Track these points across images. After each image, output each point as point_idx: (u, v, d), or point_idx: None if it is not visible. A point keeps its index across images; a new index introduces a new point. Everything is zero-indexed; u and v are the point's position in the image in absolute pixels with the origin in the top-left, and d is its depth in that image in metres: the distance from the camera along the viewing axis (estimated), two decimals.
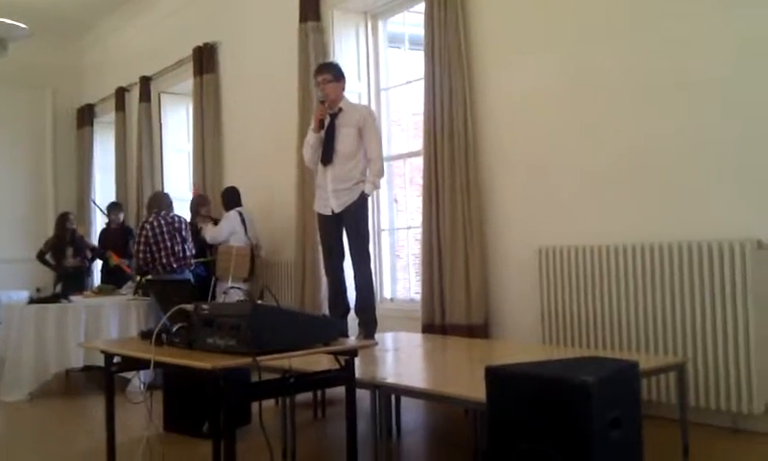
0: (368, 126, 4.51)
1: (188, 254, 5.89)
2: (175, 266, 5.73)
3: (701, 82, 3.67)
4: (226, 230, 6.29)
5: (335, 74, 4.59)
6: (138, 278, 6.11)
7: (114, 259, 7.33)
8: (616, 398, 2.15)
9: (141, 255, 5.70)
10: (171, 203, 6.04)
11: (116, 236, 7.90)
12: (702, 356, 3.56)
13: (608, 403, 2.10)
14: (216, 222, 6.62)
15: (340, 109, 4.53)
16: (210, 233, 6.36)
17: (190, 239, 5.96)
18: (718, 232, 3.55)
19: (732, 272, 3.46)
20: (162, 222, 5.75)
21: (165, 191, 7.32)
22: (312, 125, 4.57)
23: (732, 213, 3.55)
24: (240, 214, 6.37)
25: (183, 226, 5.93)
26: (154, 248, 5.68)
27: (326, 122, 4.51)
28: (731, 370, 3.46)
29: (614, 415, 2.12)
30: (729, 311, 3.47)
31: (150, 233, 5.68)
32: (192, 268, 5.98)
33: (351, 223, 4.48)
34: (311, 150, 4.57)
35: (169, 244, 5.72)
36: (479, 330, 4.61)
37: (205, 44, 7.58)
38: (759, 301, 3.41)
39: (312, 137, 4.56)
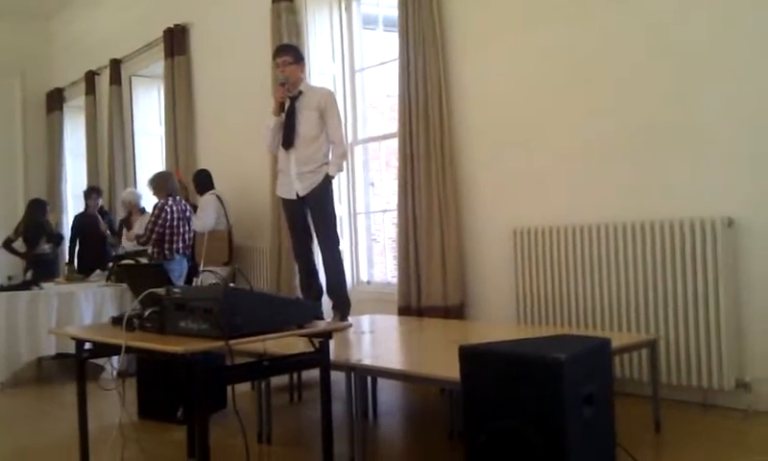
0: (329, 108, 4.44)
1: (190, 239, 5.99)
2: (182, 253, 5.82)
3: (672, 60, 3.70)
4: (212, 217, 6.22)
5: (295, 56, 4.50)
6: (111, 264, 6.05)
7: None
8: (589, 374, 2.17)
9: (155, 236, 5.68)
10: (176, 187, 6.07)
11: (91, 221, 7.70)
12: (673, 333, 3.61)
13: (580, 380, 2.11)
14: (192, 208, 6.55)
15: (300, 92, 4.46)
16: (200, 223, 6.22)
17: None
18: (690, 211, 3.59)
19: (703, 250, 3.50)
20: (180, 208, 5.83)
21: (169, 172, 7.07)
22: (272, 108, 4.49)
23: (703, 191, 3.59)
24: (218, 198, 6.31)
25: (189, 213, 6.01)
26: (169, 231, 5.71)
27: (287, 105, 4.44)
28: (701, 347, 3.51)
29: (587, 391, 2.14)
30: (700, 289, 3.51)
31: (169, 217, 5.70)
32: (187, 256, 5.97)
33: (316, 206, 4.44)
34: (271, 134, 4.49)
35: (182, 230, 5.80)
36: (455, 312, 4.63)
37: (176, 26, 7.46)
38: (730, 278, 3.46)
39: (272, 121, 4.48)
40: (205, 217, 6.21)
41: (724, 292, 3.44)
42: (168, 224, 5.70)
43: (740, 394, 3.44)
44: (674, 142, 3.71)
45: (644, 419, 3.27)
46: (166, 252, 5.71)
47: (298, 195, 4.45)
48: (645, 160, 3.82)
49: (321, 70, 5.90)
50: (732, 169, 3.50)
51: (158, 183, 5.97)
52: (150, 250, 5.75)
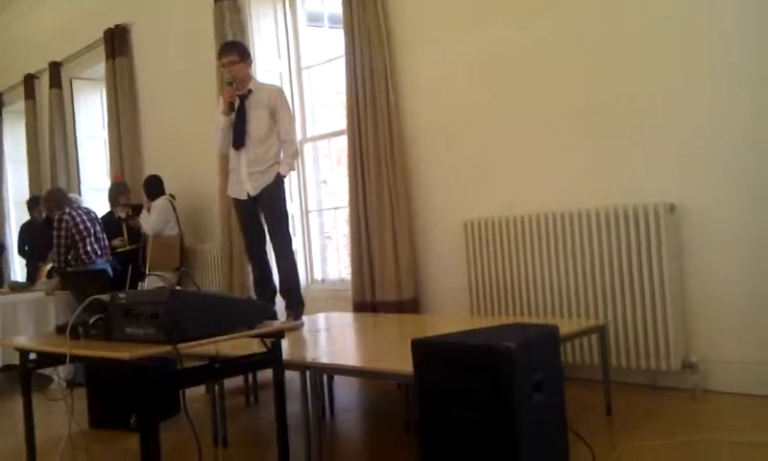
0: (279, 106, 4.38)
1: (106, 243, 5.87)
2: (99, 253, 5.69)
3: (612, 49, 3.77)
4: (163, 220, 6.10)
5: (241, 54, 4.40)
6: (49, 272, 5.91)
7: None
8: (538, 361, 2.20)
9: (64, 249, 5.53)
10: (70, 198, 5.99)
11: (41, 230, 7.48)
12: (622, 318, 3.69)
13: (530, 367, 2.14)
14: (137, 210, 6.42)
15: (249, 91, 4.38)
16: (150, 224, 6.09)
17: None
18: (633, 198, 3.67)
19: (647, 236, 3.58)
20: (81, 212, 5.72)
21: (60, 186, 7.24)
22: (221, 107, 4.41)
23: (645, 178, 3.68)
24: (171, 202, 6.20)
25: (97, 217, 5.92)
26: (77, 237, 5.59)
27: (236, 104, 4.37)
28: (649, 330, 3.60)
29: (537, 378, 2.16)
30: (645, 274, 3.60)
31: (71, 225, 5.56)
32: (110, 260, 5.83)
33: (268, 205, 4.39)
34: (221, 134, 4.41)
35: (92, 231, 5.68)
36: (409, 306, 4.65)
37: (117, 26, 7.30)
38: (674, 263, 3.55)
39: (222, 121, 4.39)
40: (155, 220, 6.09)
41: (668, 276, 3.53)
42: (73, 230, 5.57)
43: (687, 374, 3.53)
44: (616, 130, 3.79)
45: (596, 403, 3.34)
46: (83, 256, 5.57)
47: (249, 195, 4.39)
48: (589, 149, 3.90)
49: (267, 68, 5.84)
50: (674, 156, 3.59)
51: (50, 202, 5.93)
52: (68, 258, 5.60)
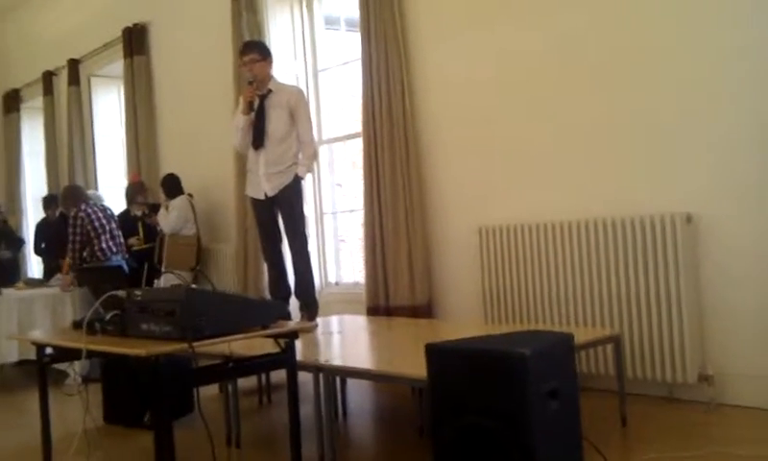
0: (299, 107, 4.37)
1: (122, 240, 5.90)
2: (115, 250, 5.71)
3: (633, 56, 3.75)
4: (182, 219, 6.12)
5: (261, 52, 4.38)
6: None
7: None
8: (553, 369, 2.19)
9: (79, 246, 5.56)
10: (87, 194, 6.03)
11: (57, 228, 7.54)
12: (637, 328, 3.66)
13: (544, 375, 2.13)
14: (154, 208, 6.45)
15: (269, 90, 4.37)
16: (169, 223, 6.10)
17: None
18: (649, 207, 3.64)
19: (663, 246, 3.55)
20: (97, 209, 5.74)
21: (77, 184, 7.31)
22: (241, 107, 4.38)
23: (662, 188, 3.65)
24: (190, 201, 6.23)
25: (113, 214, 5.96)
26: (92, 234, 5.61)
27: (256, 104, 4.36)
28: (665, 341, 3.56)
29: (551, 386, 2.15)
30: (662, 284, 3.57)
31: (87, 221, 5.59)
32: (126, 257, 5.86)
33: (286, 206, 4.38)
34: (241, 133, 4.39)
35: (107, 228, 5.71)
36: (423, 311, 4.64)
37: (135, 25, 7.35)
38: (690, 273, 3.52)
39: (242, 120, 4.36)
40: (174, 219, 6.10)
41: (685, 287, 3.50)
42: (89, 227, 5.60)
43: (703, 387, 3.49)
44: (633, 139, 3.76)
45: (610, 413, 3.31)
46: (98, 253, 5.60)
47: (266, 195, 4.39)
48: (605, 157, 3.87)
49: (283, 69, 5.86)
50: (690, 165, 3.56)
51: (66, 199, 5.96)
52: (83, 255, 5.64)
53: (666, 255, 3.54)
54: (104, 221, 5.69)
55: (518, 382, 2.06)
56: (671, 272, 3.53)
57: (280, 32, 5.96)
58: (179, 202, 6.17)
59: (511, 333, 2.52)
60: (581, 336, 3.10)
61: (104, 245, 5.61)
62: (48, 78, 8.98)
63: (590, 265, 3.85)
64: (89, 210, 5.65)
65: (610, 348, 3.66)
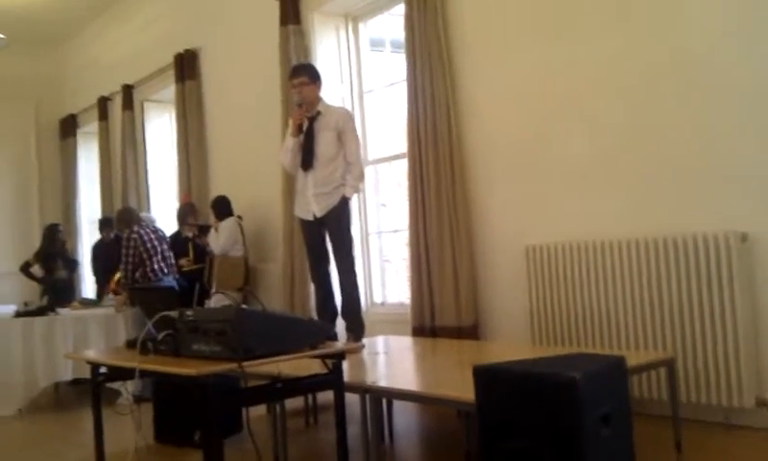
0: (347, 128, 4.43)
1: (173, 262, 6.03)
2: (166, 271, 5.85)
3: (685, 72, 3.68)
4: (231, 240, 6.24)
5: (311, 75, 4.47)
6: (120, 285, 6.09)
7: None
8: (605, 393, 2.14)
9: (131, 266, 5.70)
10: (139, 217, 6.21)
11: (111, 249, 7.75)
12: (691, 351, 3.56)
13: (596, 399, 2.09)
14: (204, 230, 6.59)
15: (318, 112, 4.44)
16: (219, 244, 6.23)
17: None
18: (703, 226, 3.55)
19: (717, 265, 3.46)
20: (149, 231, 5.87)
21: (131, 206, 7.60)
22: (290, 129, 4.47)
23: (716, 207, 3.56)
24: (239, 223, 6.35)
25: (164, 236, 6.10)
26: (144, 255, 5.75)
27: (305, 126, 4.43)
28: (720, 364, 3.46)
29: (604, 411, 2.11)
30: (716, 305, 3.47)
31: (139, 243, 5.74)
32: (177, 277, 5.99)
33: (333, 227, 4.43)
34: (290, 154, 4.47)
35: (159, 249, 5.84)
36: (469, 332, 4.60)
37: (186, 51, 7.54)
38: (746, 294, 3.41)
39: (291, 142, 4.45)
40: (225, 240, 6.22)
41: (741, 308, 3.39)
42: (141, 249, 5.74)
43: (761, 413, 3.38)
44: (686, 156, 3.68)
45: (665, 439, 3.21)
46: (149, 274, 5.72)
47: (315, 216, 4.45)
48: (657, 175, 3.80)
49: (329, 92, 5.93)
50: (745, 183, 3.47)
51: (120, 221, 6.17)
52: (136, 276, 5.76)
53: (721, 275, 3.45)
54: (155, 242, 5.82)
55: (569, 407, 2.03)
56: (726, 292, 3.43)
57: (327, 55, 6.04)
58: (228, 223, 6.29)
59: (560, 356, 2.48)
60: (633, 359, 3.03)
61: (155, 266, 5.75)
62: (103, 103, 9.28)
63: (642, 285, 3.76)
64: (141, 232, 5.80)
65: (663, 371, 3.56)
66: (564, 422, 2.04)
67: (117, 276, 6.21)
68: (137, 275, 5.74)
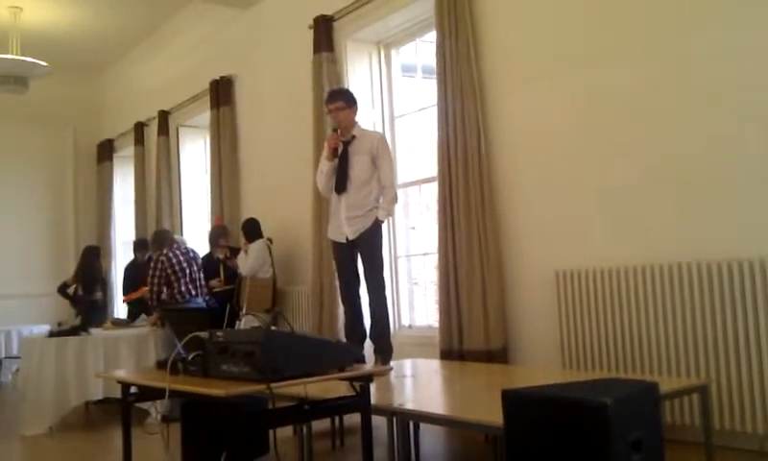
0: (381, 152, 4.50)
1: (203, 283, 6.08)
2: (194, 293, 5.90)
3: (716, 98, 3.65)
4: (260, 262, 6.31)
5: (347, 100, 4.56)
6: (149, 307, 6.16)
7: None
8: (637, 419, 2.10)
9: (156, 288, 5.78)
10: (173, 239, 6.29)
11: (143, 271, 7.84)
12: (725, 378, 3.49)
13: (628, 425, 2.05)
14: (235, 252, 6.66)
15: (353, 137, 4.51)
16: (248, 266, 6.31)
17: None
18: (735, 250, 3.50)
19: (753, 290, 3.40)
20: (178, 253, 5.94)
21: (166, 228, 7.70)
22: (325, 153, 4.54)
23: (749, 231, 3.50)
24: (268, 246, 6.42)
25: (196, 256, 6.15)
26: (172, 278, 5.82)
27: (340, 149, 4.50)
28: (755, 391, 3.38)
29: (635, 437, 2.07)
30: (751, 331, 3.40)
31: (167, 265, 5.80)
32: (207, 298, 6.05)
33: (365, 250, 4.46)
34: (325, 178, 4.55)
35: (188, 272, 5.90)
36: (498, 356, 4.56)
37: (222, 77, 7.69)
38: None
39: (326, 165, 4.52)
40: (253, 262, 6.29)
41: None
42: (168, 271, 5.81)
43: None
44: (717, 181, 3.64)
45: None
46: (177, 295, 5.79)
47: (347, 239, 4.48)
48: (688, 200, 3.76)
49: (361, 117, 5.98)
50: None
51: (154, 243, 6.28)
52: (161, 297, 5.84)
53: (756, 301, 3.39)
54: (184, 265, 5.88)
55: (600, 432, 1.99)
56: (762, 318, 3.36)
57: (359, 81, 6.11)
58: (257, 245, 6.36)
59: (591, 381, 2.44)
60: (665, 385, 2.98)
61: (182, 288, 5.81)
62: (139, 128, 9.48)
63: (674, 310, 3.71)
64: (170, 254, 5.87)
65: (696, 397, 3.49)
66: (595, 447, 2.01)
67: (137, 294, 6.30)
68: (164, 296, 5.80)
